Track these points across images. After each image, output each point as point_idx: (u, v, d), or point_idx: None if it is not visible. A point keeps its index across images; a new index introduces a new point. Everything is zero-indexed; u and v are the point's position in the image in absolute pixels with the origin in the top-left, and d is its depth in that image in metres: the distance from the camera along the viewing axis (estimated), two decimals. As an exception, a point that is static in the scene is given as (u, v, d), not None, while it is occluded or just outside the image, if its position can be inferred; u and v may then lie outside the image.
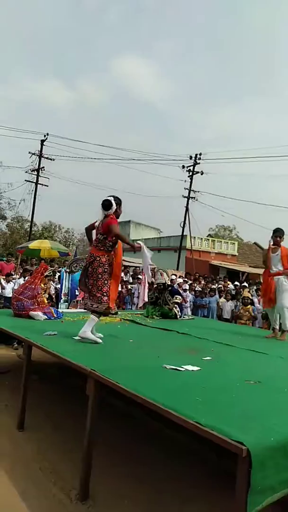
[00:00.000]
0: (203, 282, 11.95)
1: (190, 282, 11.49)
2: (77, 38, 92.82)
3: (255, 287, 10.76)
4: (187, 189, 24.44)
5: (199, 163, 24.17)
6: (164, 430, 3.46)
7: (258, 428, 1.93)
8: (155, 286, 7.30)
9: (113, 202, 4.04)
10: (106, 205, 4.04)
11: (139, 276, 10.24)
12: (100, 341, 3.98)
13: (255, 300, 8.84)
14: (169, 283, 7.05)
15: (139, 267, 15.10)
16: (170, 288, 6.85)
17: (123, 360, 3.33)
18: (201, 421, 1.93)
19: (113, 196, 4.12)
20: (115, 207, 4.05)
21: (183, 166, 24.36)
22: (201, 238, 28.48)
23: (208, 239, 29.79)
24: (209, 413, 2.10)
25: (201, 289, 10.55)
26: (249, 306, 8.18)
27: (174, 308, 6.56)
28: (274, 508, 1.98)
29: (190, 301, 10.04)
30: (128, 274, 13.02)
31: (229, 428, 1.86)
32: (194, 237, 26.02)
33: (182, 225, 24.42)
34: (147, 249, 4.43)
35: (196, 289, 10.64)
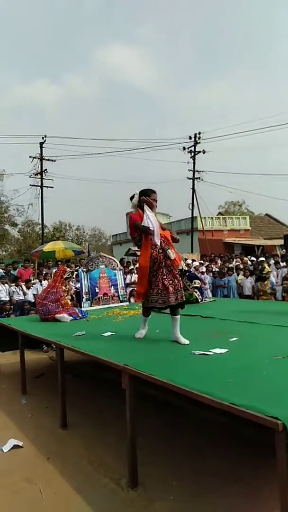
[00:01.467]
0: (219, 262, 11.98)
1: (206, 263, 11.53)
2: (57, 34, 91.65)
3: (272, 260, 10.73)
4: (191, 170, 24.26)
5: (199, 143, 23.91)
6: (201, 414, 3.58)
7: (290, 402, 2.02)
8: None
9: (135, 195, 3.85)
10: (130, 198, 3.87)
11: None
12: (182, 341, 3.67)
13: (273, 274, 8.83)
14: (186, 268, 7.11)
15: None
16: (187, 273, 6.92)
17: (153, 351, 3.44)
18: (235, 401, 2.03)
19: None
20: (136, 201, 3.82)
21: (184, 148, 24.15)
22: (212, 217, 28.33)
23: (219, 217, 29.61)
24: (242, 392, 2.20)
25: (218, 270, 10.59)
26: (267, 281, 8.20)
27: (194, 293, 6.65)
28: None
29: (209, 283, 10.11)
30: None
31: (263, 405, 1.95)
32: (205, 217, 25.90)
33: (190, 207, 24.35)
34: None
35: (213, 270, 10.69)
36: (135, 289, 4.00)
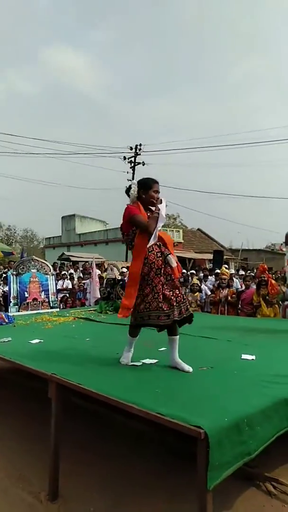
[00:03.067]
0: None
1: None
2: (3, 26, 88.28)
3: (202, 274, 11.19)
4: (130, 180, 24.56)
5: (140, 154, 24.37)
6: (128, 424, 3.59)
7: (213, 411, 2.12)
8: (106, 281, 7.39)
9: (133, 185, 3.18)
10: (126, 191, 3.22)
11: (90, 271, 10.24)
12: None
13: (204, 287, 9.21)
14: (119, 277, 7.15)
15: (88, 261, 15.06)
16: (121, 282, 6.96)
17: (82, 360, 3.39)
18: (162, 411, 2.08)
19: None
20: (135, 193, 3.14)
21: (124, 158, 24.45)
22: (148, 228, 28.75)
23: (154, 229, 30.12)
24: (169, 402, 2.26)
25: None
26: (197, 294, 8.52)
27: (126, 302, 6.68)
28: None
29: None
30: (78, 270, 12.95)
31: (187, 414, 2.03)
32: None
33: (128, 217, 24.58)
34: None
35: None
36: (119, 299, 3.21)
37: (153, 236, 3.01)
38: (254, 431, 2.09)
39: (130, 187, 3.17)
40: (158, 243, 3.10)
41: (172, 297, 3.00)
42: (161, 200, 3.10)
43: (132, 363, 3.17)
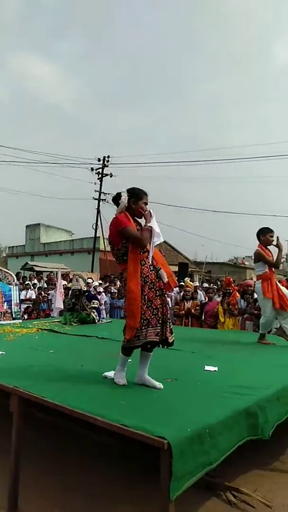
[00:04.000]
0: (118, 283, 12.21)
1: (106, 284, 11.65)
2: None
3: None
4: (97, 191, 24.59)
5: (107, 166, 24.47)
6: (92, 437, 3.56)
7: (176, 422, 2.16)
8: (71, 292, 7.31)
9: (123, 194, 3.00)
10: (114, 198, 3.07)
11: (55, 283, 10.10)
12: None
13: (168, 299, 9.32)
14: (85, 288, 7.11)
15: (53, 272, 14.82)
16: (86, 293, 6.92)
17: (45, 373, 3.34)
18: (126, 422, 2.09)
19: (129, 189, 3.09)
20: (125, 202, 2.97)
21: (92, 169, 24.47)
22: (114, 239, 28.75)
23: (120, 240, 30.16)
24: (133, 414, 2.28)
25: (117, 291, 10.78)
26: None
27: (92, 313, 6.66)
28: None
29: (106, 303, 10.21)
30: (42, 280, 12.73)
31: (151, 425, 2.05)
32: (107, 238, 26.23)
33: (94, 227, 24.52)
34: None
35: (112, 291, 10.84)
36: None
37: (150, 251, 2.91)
38: (216, 441, 2.14)
39: (119, 195, 3.01)
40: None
41: (167, 314, 2.98)
42: (150, 213, 3.01)
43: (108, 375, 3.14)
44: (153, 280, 2.93)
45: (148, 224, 2.95)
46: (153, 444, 1.91)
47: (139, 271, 2.86)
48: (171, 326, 3.02)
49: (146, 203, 3.07)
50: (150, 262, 2.93)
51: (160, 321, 2.92)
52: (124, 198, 2.99)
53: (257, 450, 3.30)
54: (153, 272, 2.96)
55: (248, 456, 3.18)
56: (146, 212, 3.01)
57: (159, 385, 2.92)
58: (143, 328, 2.85)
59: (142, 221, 3.08)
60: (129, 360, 3.08)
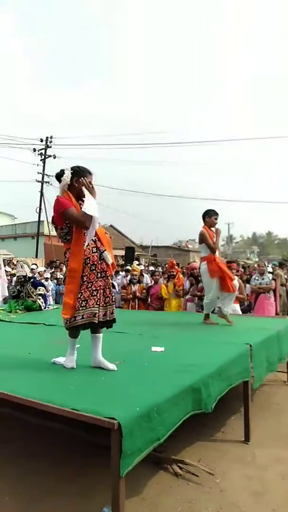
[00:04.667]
0: (64, 268, 12.02)
1: (51, 270, 11.44)
2: None
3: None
4: (40, 173, 23.76)
5: (50, 147, 23.68)
6: (40, 423, 3.56)
7: (125, 402, 2.23)
8: (16, 279, 7.10)
9: (66, 171, 2.95)
10: (57, 175, 3.00)
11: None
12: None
13: (115, 283, 9.38)
14: (30, 275, 6.93)
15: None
16: (32, 280, 6.76)
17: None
18: (77, 406, 2.13)
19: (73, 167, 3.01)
20: (67, 179, 2.93)
21: (34, 150, 23.54)
22: (59, 224, 28.14)
23: (66, 224, 29.57)
24: (83, 397, 2.32)
25: (63, 277, 10.63)
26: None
27: (38, 300, 6.53)
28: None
29: (52, 290, 10.04)
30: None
31: (101, 407, 2.11)
32: (51, 222, 25.59)
33: (38, 211, 23.78)
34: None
35: (58, 277, 10.68)
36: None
37: (88, 234, 2.88)
38: (163, 417, 2.25)
39: (63, 172, 2.96)
40: (94, 238, 2.97)
41: (110, 295, 3.00)
42: (93, 190, 2.94)
43: (58, 361, 3.12)
44: (95, 262, 2.94)
45: (87, 203, 2.87)
46: (104, 425, 1.96)
47: (82, 252, 2.89)
48: (113, 309, 3.04)
49: (90, 182, 3.00)
50: (87, 243, 2.91)
51: (98, 303, 2.92)
52: (67, 175, 2.94)
53: (201, 422, 3.52)
54: (96, 254, 2.96)
55: (193, 429, 3.39)
56: (90, 189, 2.93)
57: (112, 366, 2.97)
58: (80, 308, 2.87)
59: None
60: (77, 345, 3.10)
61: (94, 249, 2.96)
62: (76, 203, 2.95)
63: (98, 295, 2.94)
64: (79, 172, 2.98)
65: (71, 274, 2.91)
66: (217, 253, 5.02)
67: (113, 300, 3.08)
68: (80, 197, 2.99)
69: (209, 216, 5.11)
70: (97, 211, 2.87)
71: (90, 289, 2.92)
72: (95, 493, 2.61)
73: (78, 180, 2.94)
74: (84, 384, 2.65)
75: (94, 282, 2.93)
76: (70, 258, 2.92)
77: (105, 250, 3.01)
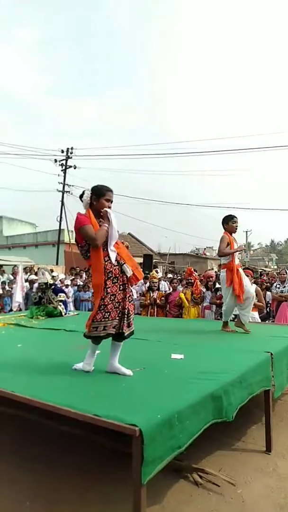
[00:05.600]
0: (84, 276, 12.14)
1: (72, 277, 11.58)
2: None
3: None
4: (61, 183, 24.16)
5: (71, 158, 24.08)
6: (60, 429, 3.59)
7: (146, 409, 2.24)
8: (37, 285, 7.23)
9: (86, 192, 3.11)
10: (80, 196, 3.15)
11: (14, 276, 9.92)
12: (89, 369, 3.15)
13: (133, 290, 9.42)
14: (51, 282, 7.04)
15: (17, 265, 14.48)
16: (53, 286, 6.87)
17: (14, 367, 3.33)
18: (98, 412, 2.15)
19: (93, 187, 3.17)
20: (88, 199, 3.08)
21: (56, 160, 23.97)
22: (79, 231, 28.47)
23: (85, 232, 29.85)
24: (103, 403, 2.35)
25: (83, 283, 10.74)
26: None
27: (59, 306, 6.63)
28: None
29: (73, 296, 10.16)
30: (6, 275, 12.45)
31: (122, 414, 2.13)
32: (72, 231, 25.93)
33: (58, 219, 24.13)
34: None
35: (78, 283, 10.80)
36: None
37: (109, 250, 3.01)
38: (184, 425, 2.25)
39: (83, 193, 3.12)
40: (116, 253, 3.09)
41: (126, 308, 3.09)
42: (107, 212, 3.06)
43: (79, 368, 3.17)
44: (117, 275, 3.05)
45: (104, 225, 3.02)
46: (125, 432, 1.98)
47: (102, 267, 2.98)
48: (130, 320, 3.15)
49: (109, 200, 3.13)
50: (113, 261, 3.03)
51: (119, 314, 3.07)
52: (87, 196, 3.09)
53: (221, 431, 3.48)
54: (117, 267, 3.06)
55: (213, 437, 3.36)
56: (103, 210, 3.06)
57: (128, 372, 3.04)
58: (102, 320, 3.00)
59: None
60: (98, 351, 3.15)
61: (116, 263, 3.06)
62: (95, 221, 3.04)
63: (120, 307, 3.07)
64: (98, 191, 3.10)
65: (96, 289, 3.04)
66: (236, 260, 4.98)
67: (133, 311, 3.18)
68: (100, 215, 3.11)
69: (227, 222, 5.06)
70: (114, 230, 3.02)
71: (113, 301, 3.03)
72: (116, 501, 2.62)
73: (96, 199, 3.08)
74: (105, 390, 2.68)
75: (117, 295, 3.05)
76: (93, 275, 3.04)
77: (124, 263, 3.10)
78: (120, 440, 2.37)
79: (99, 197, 3.08)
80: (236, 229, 5.10)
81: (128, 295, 3.11)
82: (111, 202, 3.14)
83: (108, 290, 3.00)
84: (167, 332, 5.31)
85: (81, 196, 3.15)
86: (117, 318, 3.06)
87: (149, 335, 4.80)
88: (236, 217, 5.09)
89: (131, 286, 3.20)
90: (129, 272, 3.08)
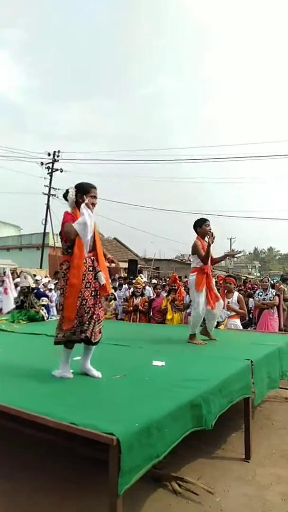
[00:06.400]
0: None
1: (55, 281, 11.45)
2: None
3: (117, 283, 11.37)
4: (47, 186, 24.00)
5: (57, 161, 23.97)
6: (36, 435, 3.52)
7: (124, 417, 2.21)
8: (19, 289, 7.13)
9: (70, 190, 3.12)
10: (64, 195, 3.18)
11: (4, 279, 9.76)
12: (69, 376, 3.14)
13: (117, 296, 9.37)
14: (33, 285, 6.95)
15: (4, 269, 14.27)
16: (35, 290, 6.78)
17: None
18: (75, 420, 2.12)
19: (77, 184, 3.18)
20: (72, 197, 3.09)
21: (42, 163, 23.83)
22: (64, 235, 28.32)
23: (70, 236, 29.72)
24: (82, 411, 2.31)
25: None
26: (112, 302, 8.65)
27: (41, 311, 6.54)
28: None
29: (56, 300, 10.04)
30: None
31: (100, 422, 2.09)
32: (57, 234, 25.74)
33: (43, 223, 23.95)
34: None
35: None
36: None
37: (85, 244, 3.01)
38: (163, 434, 2.23)
39: (67, 191, 3.13)
40: (92, 258, 3.13)
41: (95, 314, 3.10)
42: (82, 206, 3.02)
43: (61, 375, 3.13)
44: (90, 280, 3.08)
45: (80, 219, 2.98)
46: (102, 441, 1.95)
47: (82, 268, 2.99)
48: (100, 327, 3.16)
49: (94, 196, 3.13)
50: (85, 254, 3.04)
51: (88, 320, 3.07)
52: (72, 193, 3.11)
53: (201, 439, 3.47)
54: (91, 272, 3.09)
55: (192, 445, 3.34)
56: (82, 205, 3.03)
57: (97, 374, 3.12)
58: (76, 325, 3.04)
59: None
60: (78, 358, 3.11)
61: (91, 268, 3.09)
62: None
63: (89, 312, 3.07)
64: (82, 188, 3.12)
65: (72, 289, 2.99)
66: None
67: (100, 318, 3.17)
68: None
69: (200, 225, 4.83)
70: (88, 222, 2.96)
71: (84, 306, 3.04)
72: (94, 511, 2.57)
73: (81, 196, 3.09)
74: (83, 397, 2.64)
75: (88, 300, 3.06)
76: (70, 272, 3.00)
77: (100, 270, 3.12)
78: (98, 448, 2.33)
79: (83, 194, 3.09)
80: (209, 231, 4.80)
81: (98, 302, 3.13)
82: (96, 198, 3.15)
83: (80, 294, 3.00)
84: (149, 338, 5.28)
85: (65, 195, 3.15)
86: (87, 323, 3.05)
87: (131, 342, 4.77)
88: (208, 220, 4.89)
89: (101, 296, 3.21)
90: (102, 281, 3.11)
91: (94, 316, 3.09)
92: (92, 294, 3.09)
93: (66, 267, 3.05)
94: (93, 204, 3.10)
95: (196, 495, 2.81)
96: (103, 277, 3.11)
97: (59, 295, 3.29)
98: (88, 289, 3.05)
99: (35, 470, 3.11)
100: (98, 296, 3.13)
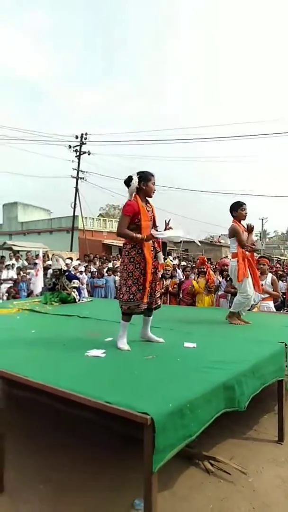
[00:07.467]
0: (98, 262, 12.21)
1: (85, 264, 11.64)
2: None
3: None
4: (75, 169, 24.12)
5: (85, 143, 23.96)
6: (71, 412, 3.63)
7: (158, 398, 2.23)
8: (51, 272, 7.29)
9: (133, 176, 3.37)
10: (125, 181, 3.41)
11: (36, 262, 10.01)
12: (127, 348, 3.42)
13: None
14: (65, 268, 7.09)
15: (30, 251, 14.64)
16: (67, 273, 6.91)
17: (27, 352, 3.37)
18: (109, 399, 2.16)
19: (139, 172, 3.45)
20: (135, 185, 3.36)
21: (70, 146, 23.90)
22: (93, 218, 28.63)
23: (99, 219, 30.08)
24: (116, 391, 2.34)
25: (97, 270, 10.80)
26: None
27: (72, 293, 6.68)
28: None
29: (86, 283, 10.22)
30: (20, 260, 12.59)
31: (134, 401, 2.13)
32: (86, 217, 26.03)
33: (72, 206, 24.19)
34: (168, 232, 3.59)
35: (92, 270, 10.85)
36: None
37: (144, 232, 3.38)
38: (195, 414, 2.24)
39: (131, 178, 3.36)
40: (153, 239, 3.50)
41: (155, 290, 3.59)
42: (167, 223, 3.60)
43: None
44: (139, 261, 3.44)
45: (156, 233, 3.41)
46: (137, 420, 1.98)
47: (150, 247, 3.42)
48: (158, 296, 3.70)
49: (154, 183, 3.49)
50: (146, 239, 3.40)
51: (151, 293, 3.54)
52: (135, 180, 3.36)
53: (233, 420, 3.47)
54: (153, 252, 3.49)
55: (225, 426, 3.35)
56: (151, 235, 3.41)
57: (161, 340, 3.67)
58: (135, 299, 3.40)
59: (152, 201, 3.57)
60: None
61: (152, 249, 3.46)
62: (142, 205, 3.38)
63: (153, 286, 3.55)
64: (145, 176, 3.42)
65: (140, 266, 3.40)
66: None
67: (158, 291, 3.67)
68: (146, 197, 3.50)
69: (236, 210, 4.75)
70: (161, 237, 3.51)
71: (137, 284, 3.41)
72: (127, 486, 2.65)
73: (145, 183, 3.40)
74: (117, 377, 2.68)
75: (141, 278, 3.41)
76: (139, 252, 3.40)
77: (160, 251, 3.57)
78: (132, 426, 2.38)
79: (147, 181, 3.41)
80: (246, 215, 4.78)
81: (157, 278, 3.58)
82: (154, 184, 3.50)
83: (141, 272, 3.40)
84: (180, 320, 5.29)
85: (127, 182, 3.37)
86: (148, 296, 3.45)
87: (162, 323, 4.78)
88: (245, 203, 4.81)
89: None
90: (161, 260, 3.61)
91: (155, 291, 3.59)
92: (153, 271, 3.49)
93: (131, 247, 3.41)
94: (153, 191, 3.48)
95: (228, 475, 2.83)
96: (162, 257, 3.62)
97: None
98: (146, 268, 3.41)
99: (70, 448, 3.22)
100: (158, 274, 3.61)
